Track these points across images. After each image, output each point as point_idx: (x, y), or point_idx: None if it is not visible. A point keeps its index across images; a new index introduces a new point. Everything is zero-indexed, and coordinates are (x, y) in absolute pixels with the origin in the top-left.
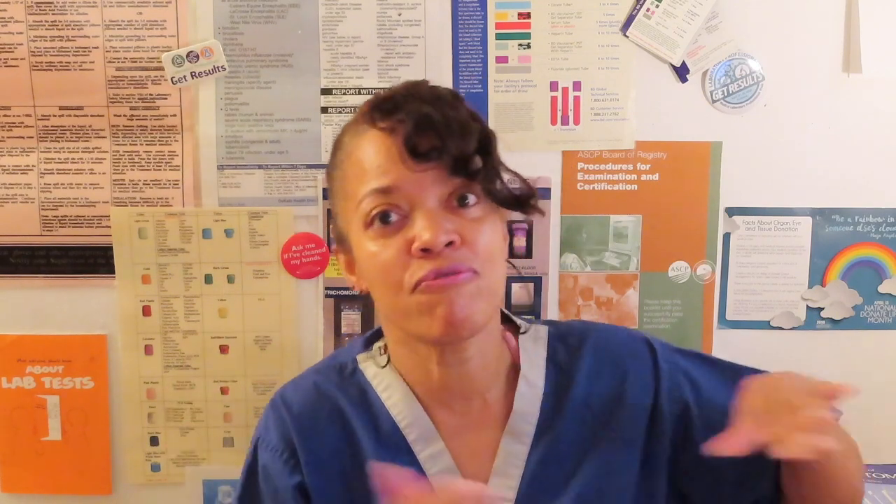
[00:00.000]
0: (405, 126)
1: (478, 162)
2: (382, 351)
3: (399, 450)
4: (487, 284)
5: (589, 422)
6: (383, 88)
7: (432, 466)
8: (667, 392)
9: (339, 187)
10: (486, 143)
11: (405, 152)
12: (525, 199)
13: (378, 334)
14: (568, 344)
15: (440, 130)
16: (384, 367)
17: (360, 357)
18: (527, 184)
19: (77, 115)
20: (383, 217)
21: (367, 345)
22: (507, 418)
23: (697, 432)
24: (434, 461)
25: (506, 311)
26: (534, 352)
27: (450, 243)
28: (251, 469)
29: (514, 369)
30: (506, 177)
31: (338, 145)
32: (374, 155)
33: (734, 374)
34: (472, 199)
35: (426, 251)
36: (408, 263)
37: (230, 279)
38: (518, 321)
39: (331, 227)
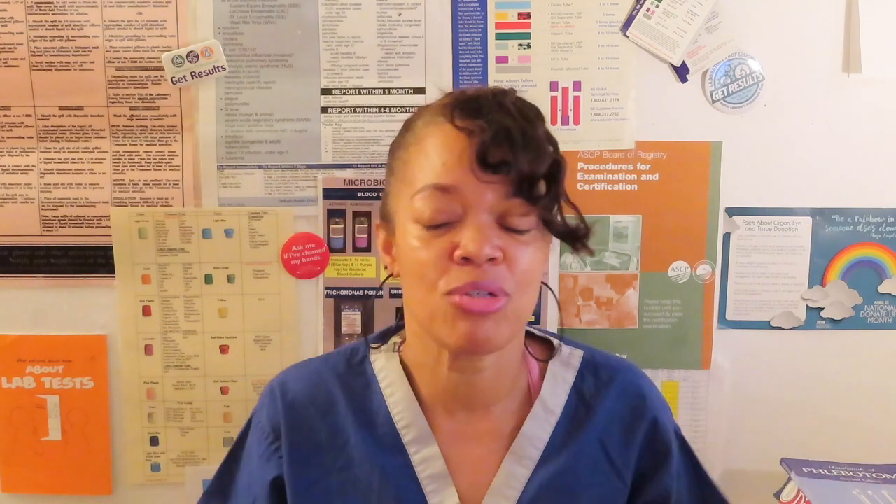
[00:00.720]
0: (483, 133)
1: (542, 186)
2: (397, 347)
3: (393, 448)
4: (516, 308)
5: (601, 461)
6: (383, 88)
7: (425, 469)
8: (670, 475)
9: (400, 168)
10: (556, 169)
11: (475, 159)
12: (579, 236)
13: (395, 330)
14: (598, 376)
15: (515, 146)
16: (391, 353)
17: (372, 348)
18: (583, 221)
19: (77, 115)
20: (434, 216)
21: (383, 337)
22: (511, 437)
23: None
24: (427, 464)
25: (541, 332)
26: (560, 377)
27: (492, 259)
28: (240, 440)
29: (528, 390)
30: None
31: (409, 126)
32: (443, 150)
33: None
34: (525, 223)
35: (467, 260)
36: (447, 268)
37: (230, 279)
38: (555, 342)
39: (381, 201)
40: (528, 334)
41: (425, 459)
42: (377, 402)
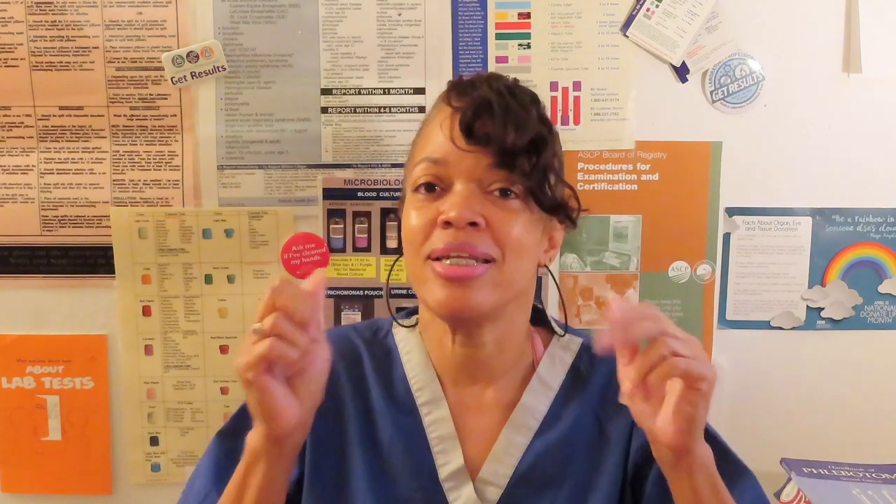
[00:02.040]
0: (468, 108)
1: (526, 161)
2: (417, 321)
3: (407, 409)
4: (505, 276)
5: (595, 434)
6: (383, 88)
7: (435, 430)
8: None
9: (411, 152)
10: (539, 144)
11: (458, 130)
12: (560, 207)
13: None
14: (593, 356)
15: (495, 118)
16: (412, 328)
17: (396, 323)
18: (576, 198)
19: (77, 115)
20: (427, 186)
21: (409, 315)
22: (510, 408)
23: (649, 483)
24: (437, 425)
25: (550, 318)
26: (559, 357)
27: (473, 224)
28: None
29: (533, 369)
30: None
31: (425, 116)
32: (438, 128)
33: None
34: (512, 193)
35: (449, 224)
36: (430, 233)
37: (230, 279)
38: (557, 329)
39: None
40: (538, 320)
41: (435, 421)
42: (396, 368)
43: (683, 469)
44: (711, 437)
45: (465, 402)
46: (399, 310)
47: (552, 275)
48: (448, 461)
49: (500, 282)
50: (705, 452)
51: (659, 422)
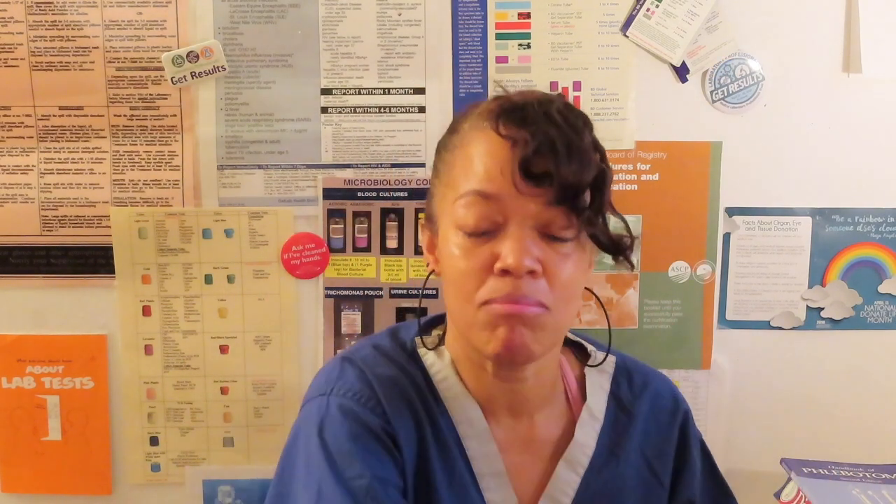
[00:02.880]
0: (527, 144)
1: (586, 197)
2: (440, 340)
3: (451, 444)
4: (555, 321)
5: (643, 467)
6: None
7: (484, 467)
8: (694, 476)
9: (445, 171)
10: (601, 179)
11: (518, 170)
12: (621, 248)
13: (439, 320)
14: (633, 382)
15: (559, 157)
16: (444, 353)
17: (419, 342)
18: (629, 231)
19: (77, 115)
20: (476, 225)
21: (425, 329)
22: (555, 443)
23: None
24: (485, 462)
25: (576, 337)
26: (598, 383)
27: (531, 272)
28: (305, 424)
29: (566, 396)
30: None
31: (455, 127)
32: (486, 157)
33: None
34: (567, 234)
35: (506, 272)
36: (485, 279)
37: (230, 279)
38: (589, 348)
39: (426, 201)
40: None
41: (484, 456)
42: (436, 396)
43: None
44: (705, 454)
45: (507, 437)
46: (403, 311)
47: (596, 296)
48: (499, 499)
49: (552, 327)
50: None
51: None
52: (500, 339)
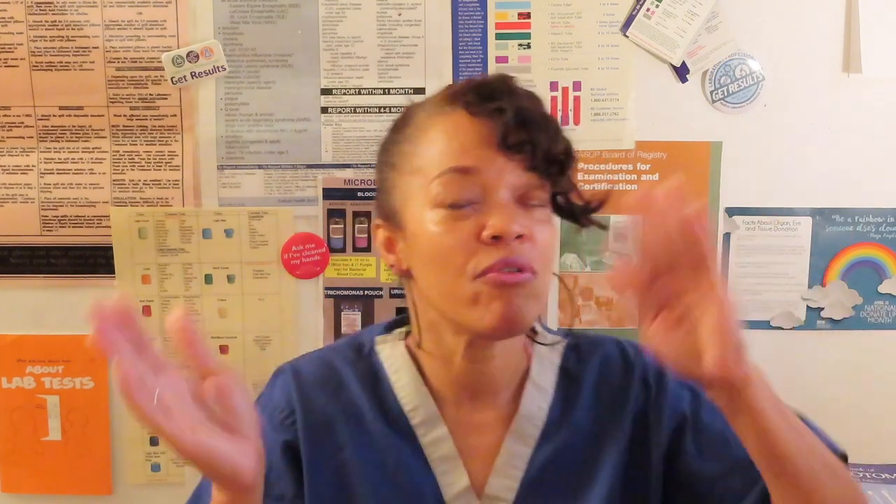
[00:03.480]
0: (503, 116)
1: (558, 167)
2: (403, 336)
3: (403, 432)
4: (540, 286)
5: (595, 433)
6: (383, 88)
7: (435, 451)
8: (669, 405)
9: (404, 161)
10: (570, 148)
11: (498, 141)
12: (591, 208)
13: (401, 322)
14: (579, 352)
15: (534, 126)
16: (400, 345)
17: (378, 339)
18: (590, 199)
19: (77, 115)
20: (455, 198)
21: (389, 329)
22: (512, 421)
23: (689, 445)
24: (437, 446)
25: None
26: (548, 358)
27: (520, 236)
28: None
29: (527, 376)
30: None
31: (406, 121)
32: (459, 134)
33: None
34: (540, 200)
35: (497, 239)
36: (475, 250)
37: (230, 279)
38: (538, 327)
39: (376, 201)
40: None
41: (434, 441)
42: (385, 386)
43: (746, 402)
44: (690, 390)
45: (463, 418)
46: (403, 311)
47: (556, 275)
48: (452, 482)
49: (539, 293)
50: (760, 375)
51: (705, 355)
52: (498, 313)
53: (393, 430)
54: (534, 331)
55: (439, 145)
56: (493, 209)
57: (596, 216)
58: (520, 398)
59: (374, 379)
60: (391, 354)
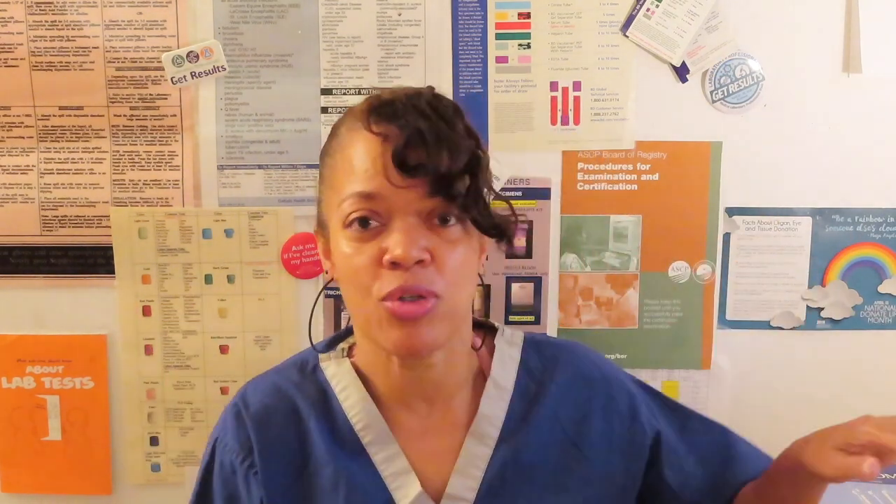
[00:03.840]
0: (397, 137)
1: (462, 184)
2: (346, 353)
3: (355, 451)
4: (449, 308)
5: (558, 437)
6: (383, 88)
7: (388, 468)
8: (645, 420)
9: (329, 175)
10: (475, 164)
11: (391, 164)
12: (501, 231)
13: (343, 336)
14: (543, 353)
15: (429, 147)
16: (345, 362)
17: (322, 356)
18: (513, 213)
19: (77, 115)
20: (362, 221)
21: (331, 345)
22: (471, 422)
23: (665, 459)
24: (389, 463)
25: (479, 318)
26: (507, 354)
27: (420, 261)
28: (208, 468)
29: (482, 376)
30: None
31: (334, 132)
32: (363, 157)
33: (684, 417)
34: (451, 219)
35: (396, 265)
36: (378, 273)
37: (230, 279)
38: (495, 324)
39: (316, 208)
40: (474, 323)
41: (387, 459)
42: (335, 407)
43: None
44: (647, 391)
45: (418, 424)
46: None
47: (480, 279)
48: (406, 494)
49: (447, 314)
50: None
51: (834, 465)
52: (397, 338)
53: (345, 452)
54: (492, 328)
55: (348, 165)
56: (393, 234)
57: (511, 235)
58: (478, 398)
59: (323, 399)
60: (337, 372)
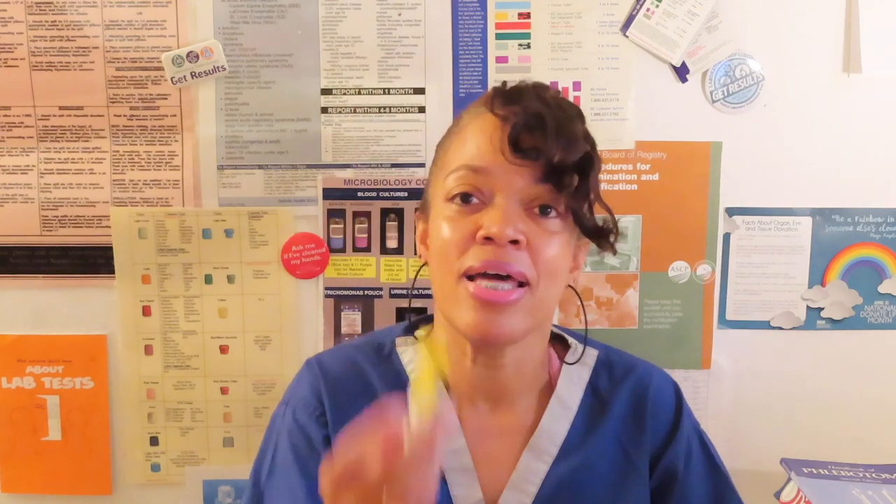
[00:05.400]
0: (517, 118)
1: (571, 178)
2: (423, 338)
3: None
4: (536, 301)
5: (619, 461)
6: (383, 88)
7: (451, 463)
8: (681, 455)
9: (440, 156)
10: (587, 164)
11: (507, 143)
12: (605, 233)
13: (417, 324)
14: (612, 373)
15: (547, 133)
16: (422, 349)
17: (399, 341)
18: (615, 223)
19: (77, 115)
20: (464, 196)
21: (409, 330)
22: (531, 432)
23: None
24: (453, 458)
25: (558, 330)
26: (576, 373)
27: (515, 241)
28: (279, 430)
29: (549, 387)
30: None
31: (456, 121)
32: (479, 135)
33: (721, 484)
34: (553, 211)
35: (489, 240)
36: (467, 248)
37: (230, 279)
38: (571, 340)
39: (424, 192)
40: (551, 333)
41: (452, 452)
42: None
43: None
44: (703, 444)
45: (481, 423)
46: (403, 311)
47: (578, 294)
48: (466, 495)
49: (533, 308)
50: None
51: None
52: (474, 321)
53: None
54: (565, 342)
55: (462, 143)
56: (492, 210)
57: (611, 240)
58: (542, 410)
59: (398, 382)
60: (413, 359)
